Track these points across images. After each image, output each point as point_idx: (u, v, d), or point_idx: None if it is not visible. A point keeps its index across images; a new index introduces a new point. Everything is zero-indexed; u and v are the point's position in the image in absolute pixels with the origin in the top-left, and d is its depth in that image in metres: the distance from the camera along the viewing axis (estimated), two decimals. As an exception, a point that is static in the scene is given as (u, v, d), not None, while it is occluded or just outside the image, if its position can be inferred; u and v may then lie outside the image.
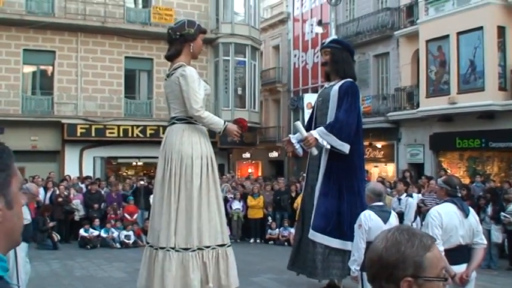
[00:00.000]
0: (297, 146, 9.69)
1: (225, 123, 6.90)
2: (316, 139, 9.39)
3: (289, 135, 9.90)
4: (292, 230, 18.13)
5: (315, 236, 9.80)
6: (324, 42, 9.73)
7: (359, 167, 10.01)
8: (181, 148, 6.82)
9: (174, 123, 6.99)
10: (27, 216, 9.13)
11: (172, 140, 6.91)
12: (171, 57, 7.17)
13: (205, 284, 6.69)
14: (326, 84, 10.03)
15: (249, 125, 25.82)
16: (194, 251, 6.66)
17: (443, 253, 6.09)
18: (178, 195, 6.79)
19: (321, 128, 9.52)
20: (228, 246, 7.02)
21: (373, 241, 2.11)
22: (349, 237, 8.60)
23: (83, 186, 21.34)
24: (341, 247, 9.59)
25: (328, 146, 9.51)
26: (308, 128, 9.89)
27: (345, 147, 9.58)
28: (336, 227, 9.65)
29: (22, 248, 9.03)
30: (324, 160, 9.84)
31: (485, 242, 6.51)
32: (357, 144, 9.91)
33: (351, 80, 10.00)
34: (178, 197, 6.79)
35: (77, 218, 19.41)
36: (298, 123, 9.40)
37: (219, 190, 7.08)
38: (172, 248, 6.66)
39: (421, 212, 13.50)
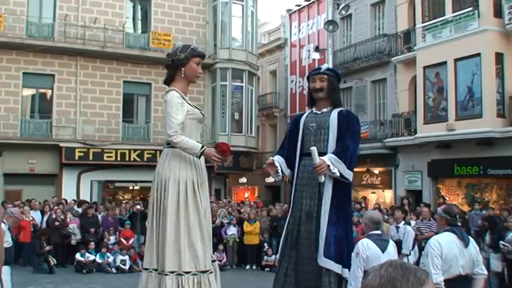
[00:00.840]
0: (279, 169, 9.68)
1: (202, 147, 6.88)
2: (328, 166, 9.36)
3: (272, 158, 9.81)
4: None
5: (328, 263, 9.69)
6: (319, 68, 9.67)
7: (351, 196, 10.05)
8: (161, 172, 6.87)
9: (164, 147, 7.06)
10: (8, 239, 9.09)
11: (158, 164, 6.99)
12: (166, 83, 7.29)
13: None
14: (314, 110, 9.88)
15: (245, 150, 25.81)
16: (167, 275, 6.62)
17: (442, 283, 6.07)
18: (155, 219, 6.87)
19: (332, 156, 9.46)
20: (210, 273, 6.94)
21: (363, 277, 2.10)
22: (346, 265, 8.65)
23: (79, 209, 21.30)
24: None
25: (338, 174, 9.47)
26: (287, 155, 9.74)
27: (351, 176, 9.60)
28: (341, 255, 9.62)
29: (6, 271, 8.97)
30: (329, 187, 9.74)
31: (486, 272, 6.48)
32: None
33: (345, 109, 10.06)
34: (155, 221, 6.88)
35: (73, 242, 19.32)
36: (315, 149, 9.32)
37: (202, 215, 6.99)
38: (155, 270, 6.70)
39: (417, 239, 13.45)
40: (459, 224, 6.43)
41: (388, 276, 1.99)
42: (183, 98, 7.09)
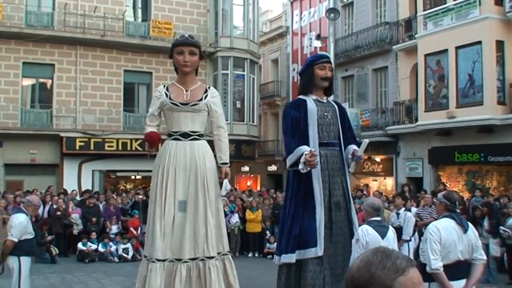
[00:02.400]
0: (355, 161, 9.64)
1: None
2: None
3: (309, 148, 9.42)
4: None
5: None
6: (328, 56, 9.53)
7: None
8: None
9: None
10: (31, 231, 9.12)
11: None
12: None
13: None
14: (318, 98, 9.64)
15: (247, 138, 25.80)
16: (186, 262, 6.86)
17: (441, 269, 6.08)
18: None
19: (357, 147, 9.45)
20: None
21: None
22: None
23: (78, 198, 21.39)
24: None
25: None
26: (305, 141, 9.56)
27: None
28: None
29: (27, 262, 9.01)
30: (349, 178, 9.66)
31: (485, 257, 6.48)
32: None
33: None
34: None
35: (75, 231, 19.34)
36: (366, 141, 9.14)
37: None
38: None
39: (417, 226, 13.48)
40: (458, 210, 6.44)
41: (366, 261, 1.96)
42: (168, 90, 7.30)
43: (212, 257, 6.86)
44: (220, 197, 7.24)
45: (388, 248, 2.07)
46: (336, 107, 9.36)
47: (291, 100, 35.32)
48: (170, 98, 7.14)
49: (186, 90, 7.18)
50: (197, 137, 7.08)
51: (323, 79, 8.87)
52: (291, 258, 7.65)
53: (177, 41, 7.41)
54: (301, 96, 8.83)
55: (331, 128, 9.07)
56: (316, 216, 7.95)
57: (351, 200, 9.14)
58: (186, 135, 7.09)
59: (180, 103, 7.14)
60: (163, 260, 6.83)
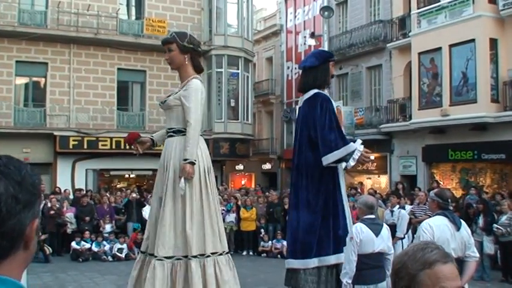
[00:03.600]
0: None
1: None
2: None
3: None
4: (285, 243, 18.07)
5: None
6: (329, 54, 9.58)
7: None
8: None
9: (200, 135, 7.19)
10: None
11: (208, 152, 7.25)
12: None
13: None
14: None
15: (241, 136, 25.79)
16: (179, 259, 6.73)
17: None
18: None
19: None
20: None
21: None
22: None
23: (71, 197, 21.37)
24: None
25: None
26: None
27: None
28: None
29: None
30: None
31: (478, 255, 6.49)
32: None
33: None
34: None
35: (69, 230, 19.31)
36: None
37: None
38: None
39: (412, 223, 13.50)
40: (451, 207, 6.44)
41: (406, 250, 2.10)
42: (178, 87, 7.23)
43: (202, 255, 6.74)
44: (206, 195, 6.80)
45: (435, 243, 2.15)
46: None
47: (285, 98, 35.47)
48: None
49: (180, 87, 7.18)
50: (172, 133, 6.98)
51: (331, 77, 8.99)
52: (339, 258, 7.54)
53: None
54: (321, 91, 8.84)
55: None
56: (346, 215, 7.92)
57: None
58: (167, 133, 7.09)
59: (160, 102, 7.18)
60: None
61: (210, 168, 6.98)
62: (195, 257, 6.55)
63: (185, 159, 6.55)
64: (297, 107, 9.84)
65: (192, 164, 6.54)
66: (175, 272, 6.55)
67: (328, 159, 8.54)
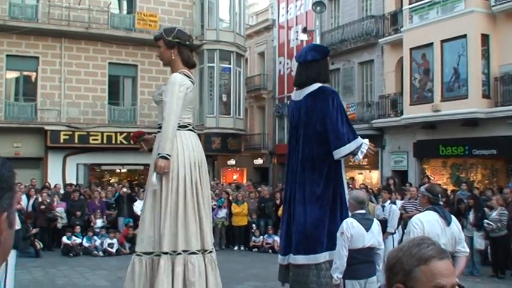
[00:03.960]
0: None
1: None
2: None
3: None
4: (276, 238, 18.10)
5: None
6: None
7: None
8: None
9: (191, 130, 6.97)
10: (18, 222, 9.03)
11: (200, 147, 6.97)
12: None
13: None
14: None
15: (233, 131, 25.75)
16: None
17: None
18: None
19: None
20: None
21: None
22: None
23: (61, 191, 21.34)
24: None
25: None
26: None
27: None
28: None
29: (12, 255, 8.93)
30: None
31: (468, 250, 6.50)
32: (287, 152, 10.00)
33: None
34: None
35: (59, 225, 19.25)
36: None
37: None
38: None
39: (403, 218, 13.52)
40: (441, 202, 6.45)
41: (401, 246, 2.09)
42: None
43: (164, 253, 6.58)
44: (190, 191, 6.65)
45: (430, 239, 2.12)
46: None
47: (277, 93, 35.47)
48: None
49: None
50: (159, 129, 6.94)
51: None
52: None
53: None
54: (325, 85, 9.02)
55: None
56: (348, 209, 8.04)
57: None
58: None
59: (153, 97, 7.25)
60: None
61: (199, 163, 6.80)
62: (165, 253, 6.47)
63: (158, 154, 6.48)
64: (291, 101, 9.82)
65: (165, 158, 6.42)
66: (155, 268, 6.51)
67: (340, 153, 8.63)
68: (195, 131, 7.04)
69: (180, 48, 6.98)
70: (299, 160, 9.15)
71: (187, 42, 7.07)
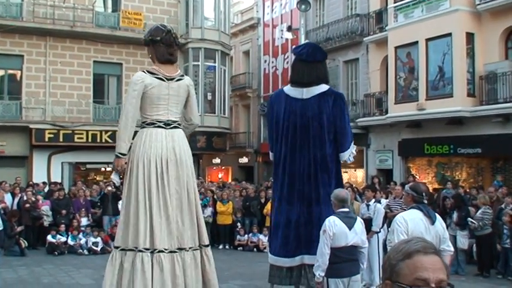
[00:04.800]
0: None
1: None
2: None
3: None
4: (261, 236, 18.13)
5: None
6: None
7: (278, 173, 9.95)
8: (189, 153, 7.04)
9: (176, 127, 6.96)
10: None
11: (185, 146, 7.00)
12: (175, 62, 7.22)
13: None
14: None
15: (218, 130, 25.73)
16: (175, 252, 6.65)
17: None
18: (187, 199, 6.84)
19: None
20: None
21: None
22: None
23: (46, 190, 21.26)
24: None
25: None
26: None
27: (271, 155, 9.97)
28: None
29: None
30: None
31: (452, 249, 6.53)
32: (276, 152, 9.96)
33: None
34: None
35: (46, 223, 19.18)
36: None
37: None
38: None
39: (388, 217, 13.55)
40: (425, 201, 6.47)
41: (393, 246, 2.15)
42: None
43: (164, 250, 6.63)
44: (148, 189, 6.67)
45: (424, 238, 2.16)
46: None
47: (262, 92, 35.48)
48: None
49: None
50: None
51: None
52: None
53: None
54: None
55: None
56: None
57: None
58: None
59: None
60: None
61: (166, 159, 6.77)
62: (116, 247, 6.72)
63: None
64: (287, 97, 9.82)
65: (117, 157, 6.66)
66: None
67: (346, 155, 8.93)
68: (168, 127, 6.93)
69: (153, 45, 7.03)
70: (311, 161, 9.32)
71: (158, 38, 6.99)
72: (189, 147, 7.03)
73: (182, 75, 7.11)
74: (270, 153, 10.09)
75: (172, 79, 6.96)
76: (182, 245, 6.67)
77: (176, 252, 6.61)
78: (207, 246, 6.97)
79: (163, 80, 6.91)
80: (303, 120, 9.57)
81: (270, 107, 10.23)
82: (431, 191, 19.33)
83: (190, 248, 6.70)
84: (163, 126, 6.86)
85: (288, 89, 9.93)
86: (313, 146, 9.47)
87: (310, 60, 9.89)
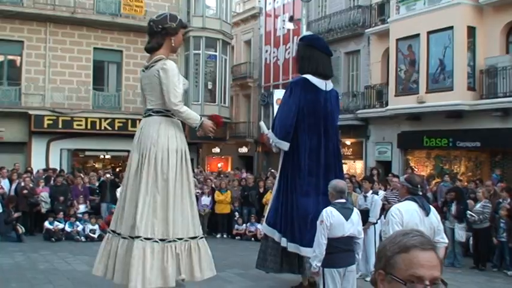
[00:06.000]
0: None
1: (201, 118, 6.90)
2: (268, 137, 9.68)
3: (268, 131, 10.09)
4: (259, 226, 18.14)
5: (265, 228, 10.13)
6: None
7: (303, 164, 9.90)
8: (158, 140, 6.83)
9: (150, 115, 6.96)
10: None
11: (149, 132, 6.87)
12: (151, 50, 7.11)
13: (178, 275, 6.68)
14: None
15: (218, 119, 25.49)
16: (170, 242, 6.66)
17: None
18: (155, 187, 6.76)
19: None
20: (200, 238, 7.04)
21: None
22: (282, 232, 8.92)
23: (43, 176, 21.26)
24: (283, 245, 9.77)
25: (273, 144, 9.72)
26: None
27: (283, 145, 9.71)
28: (280, 223, 9.85)
29: None
30: (281, 157, 10.03)
31: (447, 240, 6.53)
32: (301, 140, 9.86)
33: (299, 76, 10.13)
34: (156, 189, 6.77)
35: (43, 210, 19.18)
36: (262, 123, 9.62)
37: (192, 184, 7.10)
38: (148, 239, 6.62)
39: (385, 209, 13.54)
40: (420, 193, 6.46)
41: (389, 236, 2.13)
42: None
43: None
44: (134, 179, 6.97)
45: (420, 230, 2.13)
46: None
47: (263, 82, 35.46)
48: None
49: None
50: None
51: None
52: None
53: (185, 24, 7.41)
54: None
55: None
56: None
57: (277, 179, 9.78)
58: None
59: None
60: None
61: (132, 152, 7.09)
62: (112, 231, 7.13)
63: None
64: (311, 86, 9.89)
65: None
66: None
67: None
68: (144, 116, 7.16)
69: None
70: (331, 150, 9.54)
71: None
72: (157, 129, 6.90)
73: (156, 61, 6.96)
74: (283, 142, 9.81)
75: (147, 68, 7.02)
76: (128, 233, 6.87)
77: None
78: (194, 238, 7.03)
79: (143, 71, 7.07)
80: (326, 111, 9.76)
81: (294, 92, 9.99)
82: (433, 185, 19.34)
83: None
84: (143, 116, 7.07)
85: (312, 79, 9.91)
86: (332, 136, 9.78)
87: (330, 54, 10.15)
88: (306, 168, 9.79)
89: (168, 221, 6.71)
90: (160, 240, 6.68)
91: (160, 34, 7.04)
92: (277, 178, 10.32)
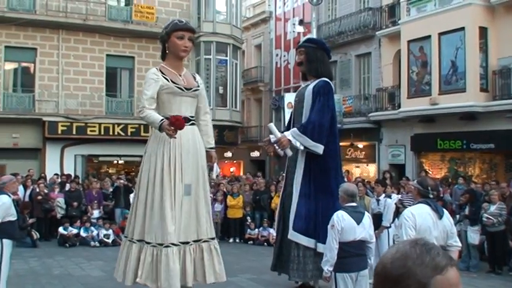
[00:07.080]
0: (277, 146, 9.79)
1: (161, 121, 6.91)
2: (289, 140, 9.50)
3: (270, 136, 9.98)
4: (272, 230, 18.12)
5: (294, 236, 9.83)
6: (299, 42, 9.84)
7: (333, 167, 9.96)
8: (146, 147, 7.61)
9: None
10: (14, 212, 8.98)
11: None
12: (162, 60, 7.47)
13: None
14: (302, 84, 10.12)
15: (230, 124, 25.68)
16: (191, 245, 6.94)
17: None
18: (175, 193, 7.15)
19: (294, 129, 9.64)
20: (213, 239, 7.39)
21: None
22: (321, 239, 8.78)
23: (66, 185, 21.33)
24: (314, 247, 9.68)
25: (302, 147, 9.58)
26: (288, 128, 10.04)
27: (319, 148, 9.63)
28: (314, 229, 9.70)
29: (9, 245, 8.90)
30: (301, 161, 9.91)
31: (460, 244, 6.49)
32: (332, 144, 9.92)
33: (324, 79, 10.00)
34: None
35: (59, 215, 19.28)
36: (271, 125, 9.58)
37: (172, 189, 7.25)
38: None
39: (399, 212, 13.48)
40: (431, 195, 6.41)
41: (403, 252, 1.78)
42: (163, 73, 7.23)
43: (213, 238, 7.47)
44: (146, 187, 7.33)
45: (428, 241, 1.88)
46: (310, 88, 9.83)
47: (274, 86, 35.45)
48: (173, 82, 7.19)
49: (180, 75, 7.24)
50: (194, 122, 7.19)
51: (297, 65, 9.46)
52: None
53: (177, 25, 7.31)
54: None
55: (296, 112, 9.74)
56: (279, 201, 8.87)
57: (300, 184, 9.71)
58: (187, 120, 7.15)
59: (184, 87, 7.23)
60: (177, 244, 7.09)
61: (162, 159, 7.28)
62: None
63: (213, 147, 8.30)
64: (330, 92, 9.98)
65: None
66: None
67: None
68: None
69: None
70: (338, 149, 9.76)
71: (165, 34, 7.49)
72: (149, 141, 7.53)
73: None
74: (319, 145, 9.78)
75: None
76: (186, 239, 7.18)
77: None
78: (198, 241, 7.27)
79: None
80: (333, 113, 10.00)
81: (331, 96, 10.07)
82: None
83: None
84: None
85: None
86: (339, 136, 10.01)
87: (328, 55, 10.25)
88: (340, 173, 10.03)
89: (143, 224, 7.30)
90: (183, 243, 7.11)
91: (162, 43, 7.33)
92: (297, 182, 10.12)
